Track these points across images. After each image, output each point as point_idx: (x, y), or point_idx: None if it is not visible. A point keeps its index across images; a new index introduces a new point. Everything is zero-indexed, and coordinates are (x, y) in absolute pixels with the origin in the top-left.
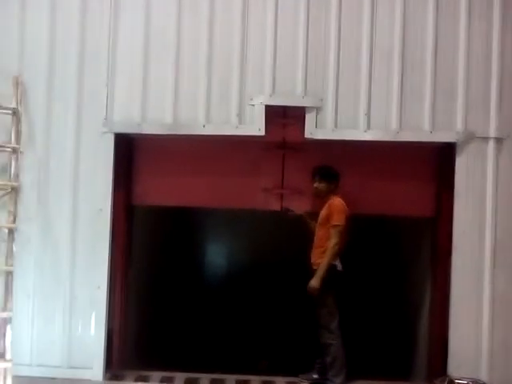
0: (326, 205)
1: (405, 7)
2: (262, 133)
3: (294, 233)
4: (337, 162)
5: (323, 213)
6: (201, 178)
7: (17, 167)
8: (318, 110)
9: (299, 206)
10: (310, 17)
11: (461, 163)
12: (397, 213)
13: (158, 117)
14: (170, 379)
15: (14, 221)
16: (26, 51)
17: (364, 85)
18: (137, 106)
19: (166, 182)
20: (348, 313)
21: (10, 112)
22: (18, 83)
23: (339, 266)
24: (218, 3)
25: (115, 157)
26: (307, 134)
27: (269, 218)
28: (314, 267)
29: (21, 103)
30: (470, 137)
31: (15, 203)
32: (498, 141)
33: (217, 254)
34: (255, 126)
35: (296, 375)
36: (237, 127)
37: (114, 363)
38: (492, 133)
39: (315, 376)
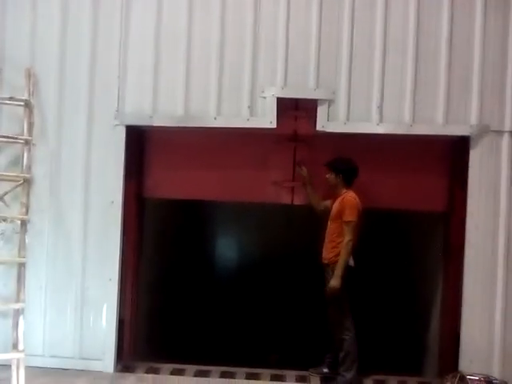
0: (338, 199)
1: None
2: (274, 125)
3: (305, 226)
4: (348, 156)
5: (335, 207)
6: (212, 171)
7: (29, 159)
8: (330, 102)
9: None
10: (323, 9)
11: (474, 157)
12: (409, 207)
13: (169, 109)
14: (181, 371)
15: (27, 212)
16: (38, 43)
17: (377, 77)
18: (148, 98)
19: (177, 175)
20: (360, 308)
21: (22, 104)
22: (30, 75)
23: (351, 262)
24: None
25: (126, 149)
26: (319, 127)
27: (279, 212)
28: (325, 261)
29: (33, 95)
30: (484, 130)
31: (27, 195)
32: None
33: (227, 247)
34: (267, 119)
35: (306, 369)
36: (248, 120)
37: (125, 355)
38: (507, 126)
39: (325, 370)
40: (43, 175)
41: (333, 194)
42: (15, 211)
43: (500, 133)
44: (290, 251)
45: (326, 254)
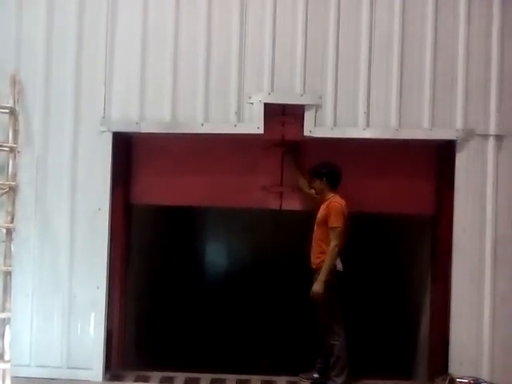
0: (324, 205)
1: (404, 4)
2: (261, 131)
3: (294, 231)
4: (336, 160)
5: (320, 213)
6: (200, 177)
7: (14, 166)
8: (317, 107)
9: (298, 204)
10: (309, 14)
11: (461, 161)
12: (397, 211)
13: (156, 115)
14: (170, 379)
15: (12, 220)
16: (23, 50)
17: (363, 82)
18: (135, 104)
19: (165, 181)
20: (349, 312)
21: (7, 111)
22: (15, 82)
23: (339, 266)
24: (215, 0)
25: (113, 156)
26: (306, 132)
27: (268, 217)
28: (313, 266)
29: (18, 102)
30: (469, 134)
31: (13, 203)
32: (498, 138)
33: (216, 253)
34: (254, 125)
35: (296, 375)
36: (235, 126)
37: (113, 363)
38: (492, 130)
39: (316, 375)
40: (29, 183)
41: (320, 200)
42: (0, 219)
43: (485, 136)
44: (279, 256)
45: (314, 258)
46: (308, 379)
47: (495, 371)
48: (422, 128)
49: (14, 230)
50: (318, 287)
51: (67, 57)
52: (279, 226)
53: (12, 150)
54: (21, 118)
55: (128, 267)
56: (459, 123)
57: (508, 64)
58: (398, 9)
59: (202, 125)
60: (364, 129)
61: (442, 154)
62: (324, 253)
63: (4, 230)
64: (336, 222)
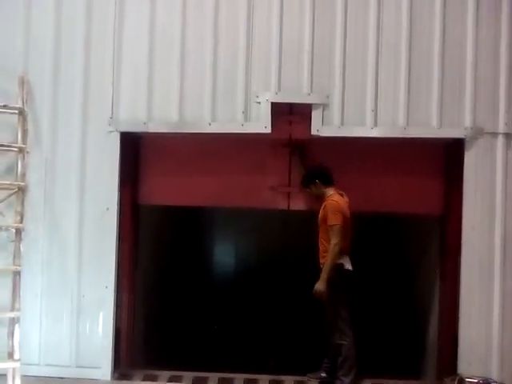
0: (323, 205)
1: (412, 2)
2: (268, 130)
3: (302, 231)
4: (343, 160)
5: (320, 213)
6: (208, 177)
7: (23, 167)
8: (324, 106)
9: (306, 204)
10: (316, 13)
11: (469, 159)
12: (405, 209)
13: (163, 115)
14: (178, 378)
15: (22, 221)
16: (32, 51)
17: (370, 81)
18: (142, 104)
19: (173, 182)
20: (358, 312)
21: (16, 112)
22: (23, 83)
23: (347, 265)
24: (222, 0)
25: (121, 156)
26: (314, 131)
27: (276, 217)
28: (321, 266)
29: (27, 103)
30: (478, 132)
31: (22, 203)
32: (508, 136)
33: (224, 252)
34: (261, 124)
35: (304, 374)
36: (243, 125)
37: (122, 362)
38: (501, 128)
39: (323, 375)
40: (37, 183)
41: (323, 200)
42: (10, 219)
43: (494, 134)
44: (287, 256)
45: (320, 258)
46: (316, 379)
47: (505, 371)
48: (431, 126)
49: (23, 230)
50: (319, 285)
51: (75, 57)
52: (287, 226)
53: (21, 150)
54: (29, 118)
55: (136, 267)
56: (468, 121)
57: None
58: (405, 7)
59: (210, 124)
60: (372, 127)
61: (450, 152)
62: (327, 252)
63: (13, 230)
64: (333, 220)
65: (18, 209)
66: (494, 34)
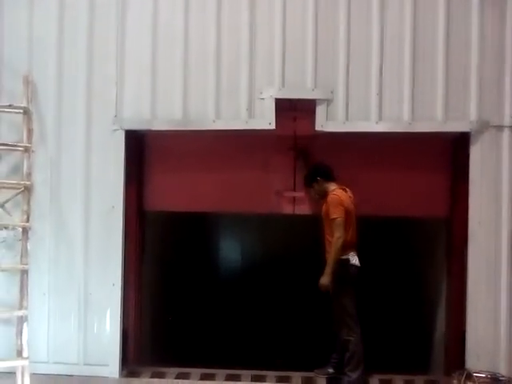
0: (325, 200)
1: None
2: (273, 126)
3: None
4: (346, 159)
5: (323, 210)
6: (212, 183)
7: (29, 166)
8: (328, 102)
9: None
10: (319, 8)
11: (475, 153)
12: (410, 206)
13: (167, 113)
14: (186, 375)
15: (28, 219)
16: (35, 50)
17: (375, 76)
18: (146, 102)
19: (178, 186)
20: (366, 308)
21: (21, 111)
22: (28, 82)
23: (354, 260)
24: None
25: (126, 154)
26: (318, 127)
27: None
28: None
29: (31, 102)
30: (484, 126)
31: (28, 202)
32: None
33: (232, 249)
34: (265, 120)
35: (312, 370)
36: (247, 122)
37: (129, 360)
38: (507, 121)
39: (331, 371)
40: (43, 182)
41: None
42: (16, 218)
43: (500, 128)
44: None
45: (326, 253)
46: (323, 374)
47: None
48: (436, 120)
49: (30, 228)
50: (324, 279)
51: (78, 56)
52: (293, 231)
53: (26, 149)
54: (34, 117)
55: (143, 264)
56: (473, 115)
57: None
58: (409, 1)
59: (214, 121)
60: (376, 122)
61: (456, 146)
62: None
63: (20, 229)
64: (335, 213)
65: (25, 208)
66: (498, 27)
